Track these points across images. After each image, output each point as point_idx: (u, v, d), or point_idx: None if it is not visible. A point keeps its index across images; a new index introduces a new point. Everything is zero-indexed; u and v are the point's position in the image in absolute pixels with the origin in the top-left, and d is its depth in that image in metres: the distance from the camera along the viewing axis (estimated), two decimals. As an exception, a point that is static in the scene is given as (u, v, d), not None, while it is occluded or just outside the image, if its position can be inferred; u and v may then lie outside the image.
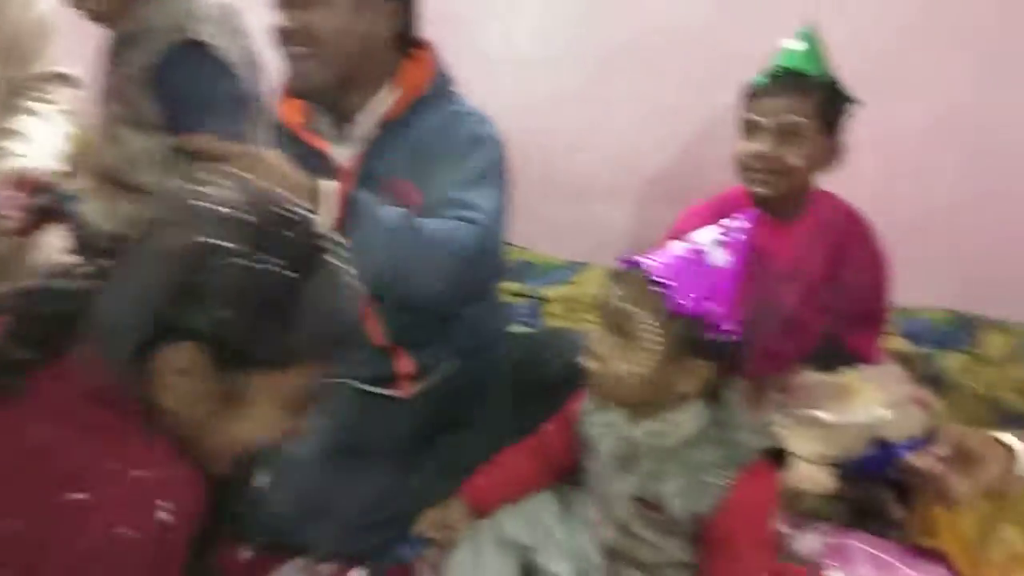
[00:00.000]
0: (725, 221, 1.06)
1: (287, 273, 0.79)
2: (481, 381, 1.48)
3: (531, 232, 2.35)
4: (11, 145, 1.46)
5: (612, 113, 2.22)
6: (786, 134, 1.47)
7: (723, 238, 1.05)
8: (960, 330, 1.88)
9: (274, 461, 1.28)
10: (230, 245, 0.77)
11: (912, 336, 1.88)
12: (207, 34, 1.18)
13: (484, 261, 1.29)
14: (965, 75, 1.84)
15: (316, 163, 1.35)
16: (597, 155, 2.27)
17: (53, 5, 1.52)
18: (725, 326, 1.02)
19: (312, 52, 1.28)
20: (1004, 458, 1.19)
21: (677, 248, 1.07)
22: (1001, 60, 1.81)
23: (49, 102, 1.56)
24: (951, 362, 1.80)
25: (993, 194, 1.89)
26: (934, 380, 1.74)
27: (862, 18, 1.84)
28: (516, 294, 2.16)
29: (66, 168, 1.50)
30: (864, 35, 1.85)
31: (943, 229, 1.94)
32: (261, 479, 1.25)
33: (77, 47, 1.57)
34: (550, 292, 2.15)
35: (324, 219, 1.12)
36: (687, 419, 1.11)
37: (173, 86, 1.27)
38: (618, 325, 1.07)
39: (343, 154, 1.39)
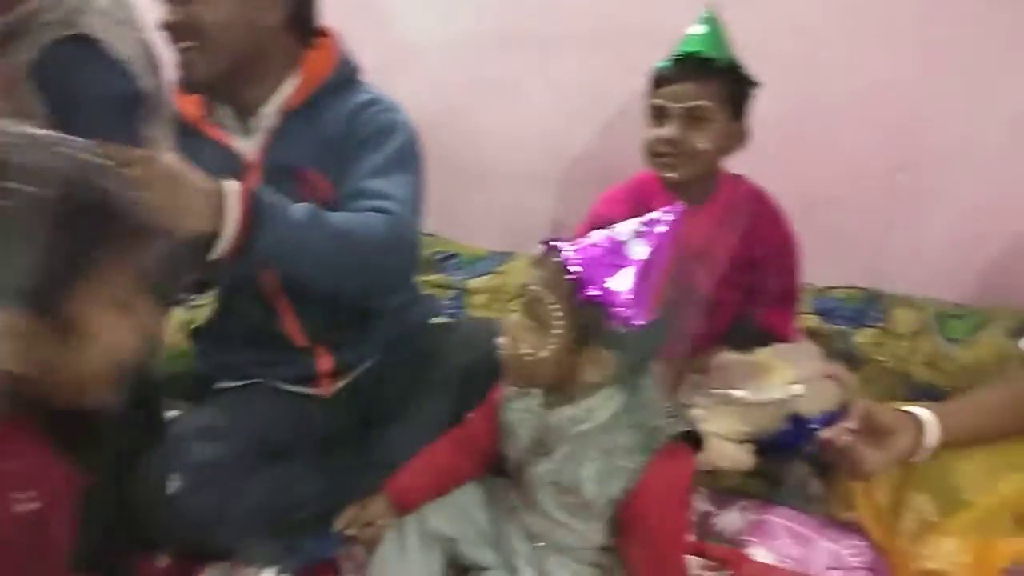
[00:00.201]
0: (652, 214, 1.06)
1: (47, 191, 0.77)
2: (403, 375, 1.46)
3: (456, 223, 2.35)
4: None
5: (529, 99, 2.22)
6: (692, 118, 1.49)
7: (643, 230, 1.05)
8: (870, 306, 1.93)
9: (188, 465, 1.26)
10: None
11: (824, 313, 1.92)
12: (95, 28, 1.13)
13: (400, 251, 1.27)
14: (881, 52, 1.89)
15: (222, 158, 1.33)
16: (517, 142, 2.27)
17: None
18: (634, 318, 1.03)
19: (198, 45, 1.26)
20: (913, 430, 1.23)
21: (597, 237, 1.07)
22: (917, 37, 1.86)
23: None
24: (863, 338, 1.85)
25: (903, 171, 1.94)
26: (847, 356, 1.79)
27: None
28: (439, 286, 2.14)
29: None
30: (781, 12, 1.89)
31: (854, 207, 2.00)
32: (173, 484, 1.23)
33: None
34: (474, 283, 2.14)
35: (229, 219, 1.09)
36: (602, 404, 1.11)
37: (58, 84, 1.22)
38: (530, 308, 1.07)
39: (248, 147, 1.36)
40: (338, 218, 1.20)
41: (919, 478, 1.27)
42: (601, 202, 1.64)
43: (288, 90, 1.35)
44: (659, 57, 1.55)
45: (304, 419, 1.42)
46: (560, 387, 1.12)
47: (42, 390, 0.81)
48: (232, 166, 1.32)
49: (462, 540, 1.26)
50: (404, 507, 1.25)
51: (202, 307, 1.76)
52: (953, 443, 1.25)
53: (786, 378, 1.48)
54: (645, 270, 1.03)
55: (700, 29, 1.51)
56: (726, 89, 1.49)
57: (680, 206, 1.07)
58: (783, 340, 1.61)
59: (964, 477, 1.24)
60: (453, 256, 2.26)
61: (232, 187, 1.11)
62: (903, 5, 1.85)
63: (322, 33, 1.40)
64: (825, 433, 1.23)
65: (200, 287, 1.71)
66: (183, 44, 1.26)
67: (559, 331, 1.05)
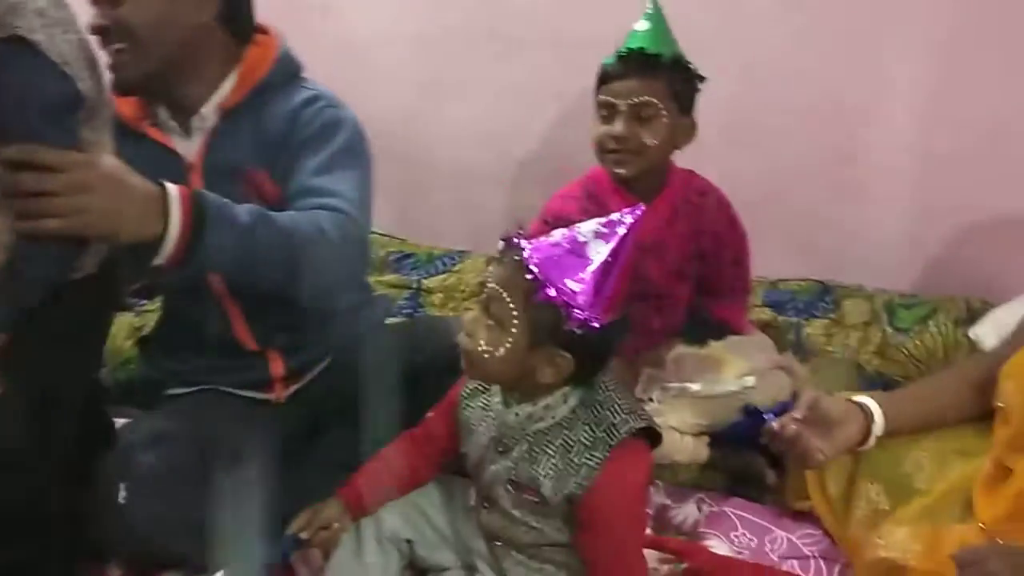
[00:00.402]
0: (613, 215, 1.06)
1: None
2: (358, 376, 1.45)
3: (410, 222, 2.33)
4: None
5: (482, 98, 2.21)
6: (639, 114, 1.49)
7: (604, 230, 1.05)
8: (821, 298, 1.95)
9: (138, 474, 1.24)
10: None
11: (776, 306, 1.94)
12: (31, 29, 1.10)
13: (349, 250, 1.25)
14: (826, 47, 1.91)
15: (163, 160, 1.30)
16: (470, 141, 2.27)
17: None
18: (592, 319, 1.03)
19: (127, 47, 1.24)
20: (860, 419, 1.25)
21: (558, 236, 1.07)
22: (861, 32, 1.88)
23: None
24: (814, 329, 1.87)
25: (852, 163, 1.97)
26: (799, 347, 1.81)
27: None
28: (395, 286, 2.13)
29: None
30: (727, 7, 1.91)
31: (803, 200, 2.02)
32: (123, 494, 1.21)
33: None
34: (430, 282, 2.13)
35: (172, 223, 1.07)
36: (560, 402, 1.12)
37: None
38: (489, 306, 1.07)
39: (190, 148, 1.34)
40: (284, 218, 1.18)
41: (870, 467, 1.29)
42: (554, 199, 1.64)
43: (227, 89, 1.33)
44: (610, 55, 1.55)
45: (257, 425, 1.40)
46: (518, 385, 1.12)
47: None
48: (174, 168, 1.30)
49: (420, 542, 1.26)
50: (360, 510, 1.24)
51: (152, 312, 1.74)
52: (900, 431, 1.27)
53: (739, 370, 1.49)
54: (604, 271, 1.03)
55: (644, 25, 1.52)
56: (672, 84, 1.50)
57: (640, 207, 1.07)
58: (736, 333, 1.63)
59: (914, 465, 1.26)
60: (408, 256, 2.24)
61: (174, 190, 1.09)
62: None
63: (262, 30, 1.39)
64: (773, 424, 1.24)
65: (149, 292, 1.68)
66: (113, 46, 1.24)
67: (516, 330, 1.05)
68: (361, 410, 1.43)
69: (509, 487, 1.15)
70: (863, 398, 1.28)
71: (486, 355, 1.07)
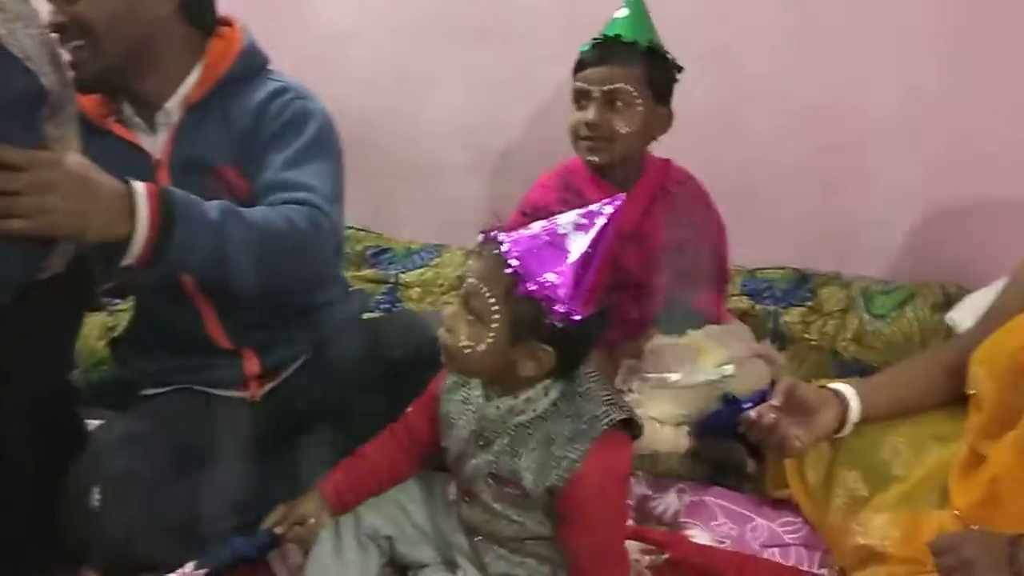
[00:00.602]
0: (592, 206, 1.06)
1: None
2: (336, 372, 1.44)
3: (387, 217, 2.32)
4: None
5: (457, 90, 2.20)
6: (613, 101, 1.49)
7: (583, 222, 1.05)
8: (799, 286, 1.96)
9: (111, 476, 1.22)
10: None
11: (754, 294, 1.94)
12: None
13: (322, 244, 1.24)
14: (806, 34, 1.91)
15: (130, 157, 1.29)
16: (446, 134, 2.25)
17: None
18: (573, 313, 1.02)
19: (86, 43, 1.22)
20: (836, 406, 1.26)
21: (537, 228, 1.06)
22: (823, 19, 1.88)
23: None
24: (791, 317, 1.87)
25: (829, 151, 1.97)
26: (777, 335, 1.82)
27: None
28: (372, 280, 2.12)
29: None
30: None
31: (781, 188, 2.02)
32: (95, 497, 1.19)
33: None
34: (408, 277, 2.12)
35: (140, 222, 1.05)
36: (541, 395, 1.11)
37: None
38: (468, 301, 1.06)
39: (156, 145, 1.32)
40: (255, 214, 1.17)
41: (848, 454, 1.30)
42: (532, 190, 1.64)
43: (191, 83, 1.32)
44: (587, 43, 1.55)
45: (233, 424, 1.38)
46: (499, 379, 1.11)
47: None
48: (141, 165, 1.28)
49: (400, 538, 1.25)
50: (340, 506, 1.23)
51: (125, 311, 1.71)
52: (876, 417, 1.28)
53: (718, 359, 1.50)
54: (584, 263, 1.03)
55: (623, 13, 1.52)
56: (648, 73, 1.49)
57: (620, 197, 1.06)
58: (715, 322, 1.63)
59: (892, 452, 1.27)
60: (386, 250, 2.23)
61: (141, 189, 1.07)
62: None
63: (226, 23, 1.37)
64: (750, 413, 1.24)
65: (122, 291, 1.65)
66: (72, 44, 1.22)
67: (497, 325, 1.04)
68: (339, 407, 1.43)
69: (490, 481, 1.14)
70: (838, 385, 1.29)
71: (467, 350, 1.06)
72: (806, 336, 1.82)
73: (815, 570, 1.30)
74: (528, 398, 1.11)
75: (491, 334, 1.04)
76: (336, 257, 1.46)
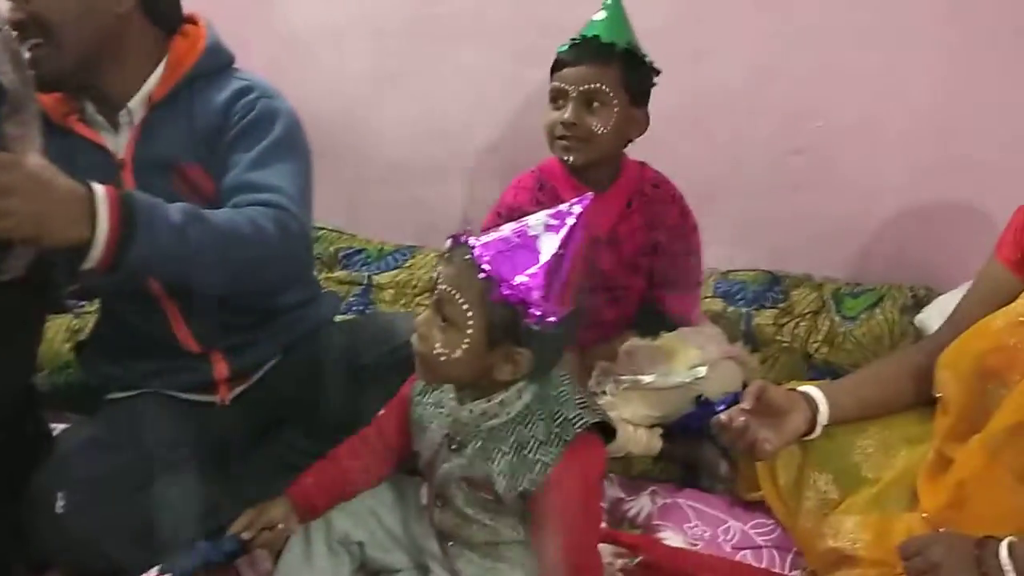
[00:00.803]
0: (562, 206, 1.05)
1: None
2: (306, 375, 1.42)
3: (360, 218, 2.31)
4: None
5: (432, 90, 2.19)
6: (590, 102, 1.49)
7: (553, 222, 1.04)
8: (771, 288, 1.97)
9: (76, 481, 1.21)
10: None
11: (727, 296, 1.95)
12: None
13: (289, 247, 1.22)
14: (775, 38, 1.92)
15: (94, 157, 1.27)
16: (420, 135, 2.25)
17: None
18: (548, 314, 1.01)
19: (44, 42, 1.21)
20: (805, 408, 1.26)
21: (507, 230, 1.05)
22: (806, 21, 1.89)
23: None
24: (763, 319, 1.88)
25: (800, 154, 1.99)
26: (750, 337, 1.82)
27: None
28: (345, 282, 2.10)
29: None
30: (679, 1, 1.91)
31: (753, 191, 2.03)
32: (60, 502, 1.18)
33: None
34: (381, 278, 2.11)
35: (100, 227, 1.03)
36: (515, 397, 1.10)
37: None
38: (441, 308, 1.05)
39: (120, 143, 1.30)
40: (220, 216, 1.15)
41: (819, 457, 1.30)
42: (508, 190, 1.63)
43: (154, 81, 1.30)
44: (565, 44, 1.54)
45: (201, 428, 1.37)
46: (474, 383, 1.10)
47: None
48: (104, 164, 1.27)
49: (371, 543, 1.24)
50: (310, 511, 1.22)
51: (91, 314, 1.69)
52: (846, 419, 1.29)
53: (691, 361, 1.50)
54: (557, 264, 1.02)
55: (602, 15, 1.52)
56: (624, 74, 1.49)
57: (588, 196, 1.06)
58: (688, 324, 1.63)
59: (862, 455, 1.27)
60: (359, 251, 2.22)
61: (101, 192, 1.04)
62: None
63: (190, 20, 1.35)
64: (721, 416, 1.24)
65: (87, 293, 1.63)
66: (31, 41, 1.20)
67: (472, 331, 1.03)
68: (310, 410, 1.41)
69: (463, 485, 1.13)
70: (808, 387, 1.30)
71: (442, 358, 1.05)
72: (778, 338, 1.83)
73: (787, 572, 1.31)
74: (501, 401, 1.10)
75: (466, 340, 1.03)
76: (305, 259, 1.45)
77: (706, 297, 1.90)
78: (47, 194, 0.99)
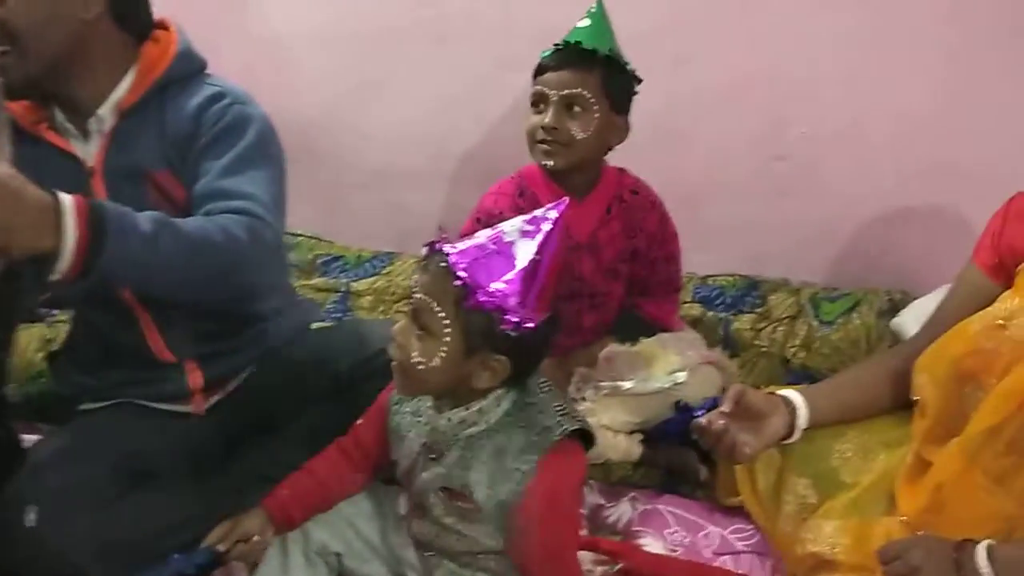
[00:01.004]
0: (537, 211, 1.05)
1: None
2: (282, 384, 1.41)
3: (338, 225, 2.29)
4: None
5: (410, 96, 2.18)
6: (571, 106, 1.49)
7: (529, 228, 1.03)
8: (749, 293, 1.98)
9: (48, 493, 1.19)
10: None
11: (706, 301, 1.96)
12: None
13: (262, 255, 1.20)
14: (757, 44, 1.92)
15: (65, 165, 1.25)
16: (398, 140, 2.23)
17: None
18: (526, 321, 1.01)
19: (10, 49, 1.19)
20: (784, 412, 1.26)
21: (483, 237, 1.05)
22: (794, 29, 1.90)
23: None
24: (742, 323, 1.88)
25: (779, 160, 1.99)
26: (728, 342, 1.83)
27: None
28: (323, 289, 2.09)
29: None
30: (661, 8, 1.91)
31: (732, 196, 2.04)
32: (31, 514, 1.15)
33: None
34: (359, 285, 2.10)
35: (67, 237, 1.01)
36: (493, 406, 1.10)
37: None
38: (418, 316, 1.05)
39: (90, 151, 1.29)
40: (191, 225, 1.13)
41: (798, 461, 1.30)
42: (487, 196, 1.63)
43: (124, 88, 1.28)
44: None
45: (176, 438, 1.35)
46: (452, 392, 1.10)
47: None
48: (74, 172, 1.25)
49: (348, 554, 1.23)
50: (286, 523, 1.20)
51: (64, 323, 1.66)
52: (824, 423, 1.29)
53: (670, 366, 1.50)
54: (533, 269, 1.01)
55: (585, 22, 1.53)
56: (606, 80, 1.50)
57: (565, 201, 1.05)
58: (667, 329, 1.63)
59: (840, 459, 1.28)
60: (337, 258, 2.20)
61: (68, 202, 1.02)
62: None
63: (162, 26, 1.34)
64: (701, 420, 1.24)
65: (59, 302, 1.60)
66: None
67: (449, 339, 1.02)
68: (287, 420, 1.40)
69: (441, 494, 1.12)
70: (787, 391, 1.30)
71: (420, 367, 1.04)
72: (756, 343, 1.83)
73: (766, 577, 1.31)
74: (480, 409, 1.09)
75: (444, 348, 1.03)
76: (279, 266, 1.43)
77: (685, 302, 1.90)
78: (15, 204, 0.98)
